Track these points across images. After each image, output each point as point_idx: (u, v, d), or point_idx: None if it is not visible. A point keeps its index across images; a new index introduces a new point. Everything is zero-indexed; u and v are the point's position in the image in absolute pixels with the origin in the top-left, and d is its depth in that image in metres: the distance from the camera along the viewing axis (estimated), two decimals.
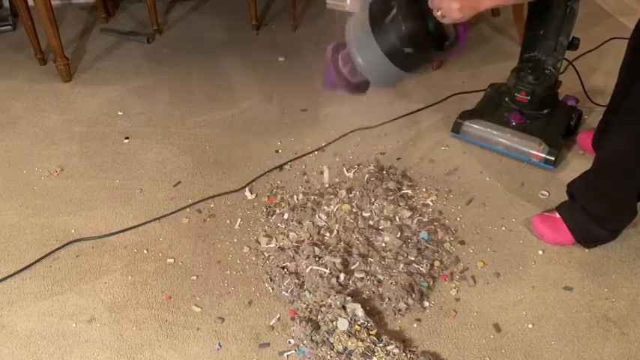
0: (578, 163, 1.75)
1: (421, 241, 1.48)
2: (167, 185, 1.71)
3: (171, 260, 1.47)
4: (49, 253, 1.49)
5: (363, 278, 1.38)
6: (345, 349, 1.21)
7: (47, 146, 1.88)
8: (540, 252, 1.48)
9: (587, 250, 1.47)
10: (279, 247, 1.48)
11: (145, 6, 2.47)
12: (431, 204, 1.62)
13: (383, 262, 1.41)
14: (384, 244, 1.47)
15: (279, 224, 1.54)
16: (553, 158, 1.70)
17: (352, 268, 1.39)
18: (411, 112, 2.00)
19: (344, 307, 1.28)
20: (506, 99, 1.84)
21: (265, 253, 1.47)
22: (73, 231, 1.56)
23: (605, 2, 2.72)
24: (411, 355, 1.21)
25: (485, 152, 1.82)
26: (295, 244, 1.47)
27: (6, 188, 1.71)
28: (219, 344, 1.27)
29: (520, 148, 1.75)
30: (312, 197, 1.62)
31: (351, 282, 1.37)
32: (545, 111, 1.80)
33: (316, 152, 1.83)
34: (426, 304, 1.34)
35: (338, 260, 1.39)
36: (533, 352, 1.25)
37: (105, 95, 2.14)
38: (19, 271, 1.44)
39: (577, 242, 1.48)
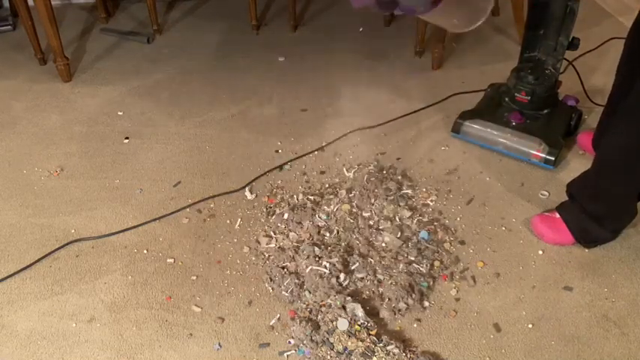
0: (578, 163, 1.75)
1: (421, 241, 1.48)
2: (167, 185, 1.71)
3: (171, 260, 1.47)
4: (49, 253, 1.49)
5: (363, 278, 1.38)
6: (345, 349, 1.21)
7: (47, 146, 1.88)
8: (540, 252, 1.48)
9: (587, 250, 1.47)
10: (279, 247, 1.48)
11: (145, 6, 2.47)
12: (431, 204, 1.62)
13: (383, 262, 1.41)
14: (384, 244, 1.47)
15: (279, 224, 1.54)
16: (553, 158, 1.70)
17: (352, 268, 1.39)
18: (411, 112, 2.00)
19: (344, 307, 1.28)
20: (506, 99, 1.84)
21: (265, 253, 1.47)
22: (73, 231, 1.56)
23: (605, 2, 2.72)
24: (411, 355, 1.21)
25: (486, 152, 1.82)
26: (295, 244, 1.47)
27: (6, 188, 1.71)
28: (219, 344, 1.27)
29: (520, 148, 1.75)
30: (312, 197, 1.62)
31: (351, 282, 1.37)
32: (545, 111, 1.80)
33: (316, 152, 1.83)
34: (426, 304, 1.34)
35: (338, 260, 1.39)
36: (533, 352, 1.25)
37: (105, 95, 2.14)
38: (19, 271, 1.44)
39: (577, 242, 1.48)
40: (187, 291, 1.39)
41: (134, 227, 1.56)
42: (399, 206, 1.57)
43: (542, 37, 1.73)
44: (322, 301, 1.31)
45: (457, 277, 1.41)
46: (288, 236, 1.50)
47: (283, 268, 1.41)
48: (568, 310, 1.34)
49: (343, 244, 1.47)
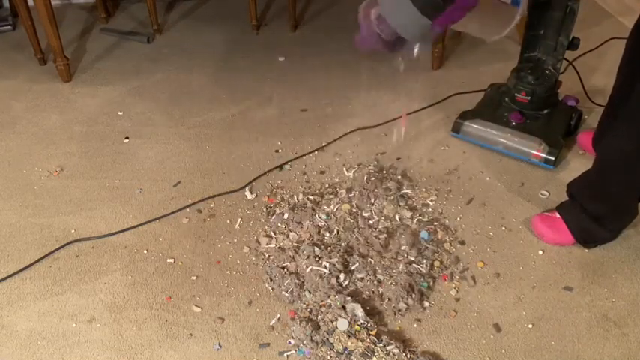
0: (578, 163, 1.75)
1: (421, 241, 1.48)
2: (167, 185, 1.71)
3: (171, 260, 1.47)
4: (49, 253, 1.49)
5: (363, 278, 1.38)
6: (345, 349, 1.21)
7: (47, 146, 1.88)
8: (540, 252, 1.48)
9: (587, 250, 1.47)
10: (279, 247, 1.48)
11: (145, 6, 2.47)
12: (431, 204, 1.62)
13: (383, 262, 1.41)
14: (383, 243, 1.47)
15: (279, 224, 1.54)
16: (553, 158, 1.70)
17: (352, 268, 1.39)
18: (411, 112, 2.00)
19: (344, 307, 1.28)
20: (506, 99, 1.84)
21: (265, 253, 1.47)
22: (73, 231, 1.56)
23: (605, 2, 2.72)
24: (411, 355, 1.21)
25: (486, 152, 1.82)
26: (295, 244, 1.47)
27: (6, 188, 1.71)
28: (219, 344, 1.27)
29: (520, 148, 1.75)
30: (312, 197, 1.62)
31: (351, 282, 1.37)
32: (545, 111, 1.80)
33: (316, 152, 1.83)
34: (426, 304, 1.34)
35: (338, 260, 1.39)
36: (533, 352, 1.25)
37: (105, 95, 2.14)
38: (19, 271, 1.44)
39: (577, 242, 1.48)
40: (187, 291, 1.39)
41: (134, 227, 1.56)
42: (399, 206, 1.57)
43: (542, 37, 1.73)
44: (322, 301, 1.31)
45: (457, 277, 1.41)
46: (288, 236, 1.50)
47: (283, 268, 1.41)
48: (568, 310, 1.34)
49: (343, 244, 1.47)
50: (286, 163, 1.78)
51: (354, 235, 1.49)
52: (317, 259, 1.40)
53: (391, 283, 1.36)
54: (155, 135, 1.93)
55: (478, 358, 1.24)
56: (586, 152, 1.79)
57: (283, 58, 2.36)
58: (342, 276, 1.36)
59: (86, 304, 1.36)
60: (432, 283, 1.38)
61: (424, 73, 2.23)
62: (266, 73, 2.26)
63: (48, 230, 1.56)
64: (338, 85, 2.17)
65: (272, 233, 1.53)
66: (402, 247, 1.44)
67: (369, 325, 1.26)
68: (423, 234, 1.49)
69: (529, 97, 1.77)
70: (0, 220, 1.59)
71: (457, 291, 1.38)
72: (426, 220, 1.55)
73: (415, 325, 1.30)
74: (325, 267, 1.37)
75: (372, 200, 1.58)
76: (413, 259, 1.42)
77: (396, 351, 1.21)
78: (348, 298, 1.30)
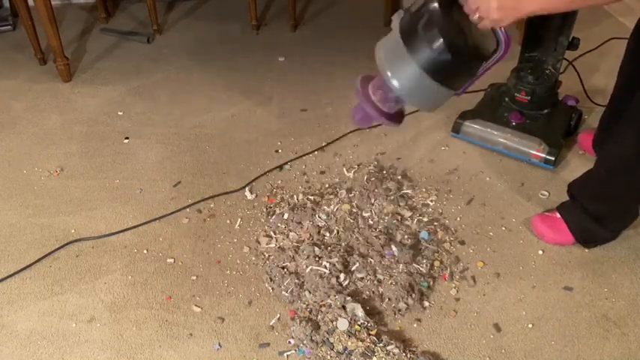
0: (578, 163, 1.75)
1: (421, 241, 1.48)
2: (167, 185, 1.71)
3: (171, 260, 1.47)
4: (49, 253, 1.48)
5: (363, 278, 1.38)
6: (345, 349, 1.21)
7: (47, 146, 1.88)
8: (540, 252, 1.48)
9: (587, 250, 1.47)
10: (279, 247, 1.48)
11: (145, 6, 2.47)
12: (431, 204, 1.62)
13: (383, 262, 1.41)
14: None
15: (279, 224, 1.54)
16: (553, 158, 1.70)
17: (352, 268, 1.39)
18: (411, 112, 2.00)
19: (344, 307, 1.28)
20: (506, 99, 1.84)
21: (265, 253, 1.47)
22: (73, 231, 1.56)
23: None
24: (411, 355, 1.21)
25: (486, 152, 1.82)
26: (295, 244, 1.47)
27: (6, 188, 1.71)
28: (219, 344, 1.27)
29: (520, 148, 1.75)
30: (312, 197, 1.62)
31: (351, 282, 1.37)
32: (545, 111, 1.80)
33: (316, 152, 1.83)
34: (426, 304, 1.34)
35: (338, 260, 1.39)
36: (533, 352, 1.25)
37: (105, 95, 2.14)
38: (19, 271, 1.44)
39: (577, 242, 1.48)
40: (187, 291, 1.39)
41: (134, 227, 1.56)
42: (399, 206, 1.57)
43: (542, 37, 1.73)
44: (322, 301, 1.31)
45: (457, 277, 1.41)
46: (288, 236, 1.50)
47: (283, 268, 1.41)
48: (568, 310, 1.34)
49: (343, 244, 1.47)
50: (286, 163, 1.78)
51: (354, 235, 1.49)
52: (317, 259, 1.40)
53: (391, 283, 1.36)
54: (155, 135, 1.93)
55: (478, 358, 1.24)
56: (586, 152, 1.79)
57: (283, 58, 2.36)
58: (342, 276, 1.36)
59: (86, 304, 1.36)
60: (432, 283, 1.38)
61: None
62: (266, 73, 2.26)
63: (48, 230, 1.56)
64: (338, 85, 2.17)
65: (272, 233, 1.53)
66: (402, 249, 1.44)
67: (369, 325, 1.26)
68: (423, 234, 1.49)
69: (529, 97, 1.77)
70: (0, 220, 1.59)
71: (457, 291, 1.38)
72: (426, 220, 1.55)
73: (415, 325, 1.30)
74: (325, 267, 1.37)
75: (372, 200, 1.58)
76: (413, 259, 1.42)
77: (396, 351, 1.21)
78: (348, 298, 1.30)
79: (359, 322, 1.26)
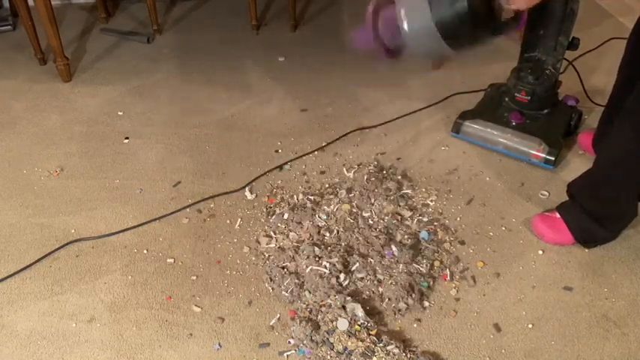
0: (578, 163, 1.75)
1: (421, 241, 1.48)
2: (167, 185, 1.71)
3: (171, 260, 1.47)
4: (49, 253, 1.48)
5: (363, 278, 1.38)
6: (345, 349, 1.21)
7: (47, 146, 1.88)
8: (540, 252, 1.48)
9: (587, 250, 1.47)
10: (279, 247, 1.48)
11: (145, 6, 2.47)
12: (431, 204, 1.62)
13: (383, 262, 1.41)
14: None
15: (279, 224, 1.54)
16: (553, 158, 1.70)
17: (352, 268, 1.39)
18: (411, 112, 2.00)
19: (344, 307, 1.28)
20: (506, 99, 1.84)
21: (265, 253, 1.47)
22: (73, 231, 1.56)
23: (605, 2, 2.72)
24: (411, 355, 1.21)
25: (486, 152, 1.82)
26: (295, 244, 1.47)
27: (6, 188, 1.71)
28: (219, 344, 1.27)
29: (520, 148, 1.75)
30: (312, 197, 1.62)
31: (351, 282, 1.37)
32: (545, 111, 1.80)
33: (316, 152, 1.83)
34: (426, 304, 1.34)
35: (338, 260, 1.39)
36: (533, 352, 1.25)
37: (105, 95, 2.14)
38: (19, 271, 1.44)
39: (577, 242, 1.48)
40: (187, 291, 1.39)
41: (134, 227, 1.56)
42: (399, 206, 1.57)
43: (542, 37, 1.73)
44: (322, 301, 1.31)
45: (457, 277, 1.41)
46: (288, 236, 1.50)
47: (283, 268, 1.41)
48: (568, 310, 1.34)
49: (343, 244, 1.47)
50: (286, 163, 1.78)
51: (354, 235, 1.49)
52: (317, 259, 1.40)
53: (391, 283, 1.36)
54: (155, 135, 1.93)
55: (478, 358, 1.24)
56: (586, 152, 1.79)
57: (283, 58, 2.36)
58: (342, 276, 1.36)
59: (86, 304, 1.36)
60: (432, 283, 1.38)
61: (424, 73, 2.23)
62: (266, 73, 2.26)
63: (48, 230, 1.56)
64: (338, 85, 2.17)
65: (272, 233, 1.53)
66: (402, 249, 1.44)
67: (369, 325, 1.26)
68: (423, 234, 1.49)
69: (529, 97, 1.77)
70: (0, 220, 1.59)
71: (457, 291, 1.38)
72: (426, 220, 1.55)
73: (415, 325, 1.30)
74: (325, 267, 1.37)
75: (372, 200, 1.58)
76: (413, 259, 1.42)
77: (396, 351, 1.21)
78: (348, 298, 1.30)
79: (359, 322, 1.26)
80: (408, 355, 1.21)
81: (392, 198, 1.59)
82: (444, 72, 2.24)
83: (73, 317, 1.33)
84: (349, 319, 1.26)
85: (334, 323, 1.25)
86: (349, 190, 1.63)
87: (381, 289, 1.36)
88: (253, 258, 1.47)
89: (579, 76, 1.89)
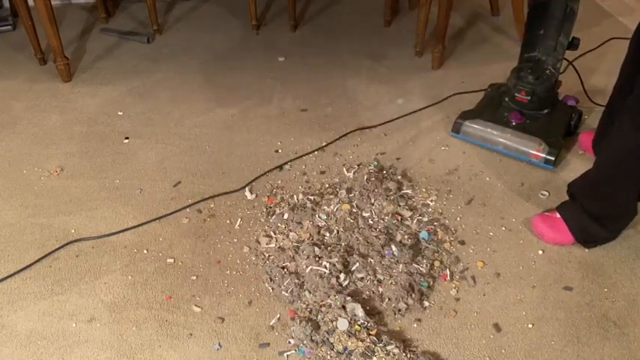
0: (578, 163, 1.75)
1: (421, 241, 1.48)
2: (167, 185, 1.71)
3: (171, 260, 1.47)
4: (49, 253, 1.48)
5: (363, 278, 1.38)
6: (345, 349, 1.21)
7: (47, 146, 1.88)
8: (540, 252, 1.48)
9: (587, 250, 1.47)
10: (279, 247, 1.48)
11: (145, 6, 2.47)
12: (431, 204, 1.62)
13: (383, 262, 1.41)
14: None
15: (279, 224, 1.54)
16: (553, 158, 1.70)
17: (352, 268, 1.39)
18: (411, 112, 2.00)
19: (344, 307, 1.28)
20: (507, 99, 1.84)
21: (265, 253, 1.47)
22: (73, 231, 1.56)
23: (605, 2, 2.72)
24: (411, 355, 1.21)
25: (486, 152, 1.82)
26: (295, 244, 1.47)
27: (6, 188, 1.71)
28: (219, 344, 1.27)
29: (520, 148, 1.75)
30: (312, 197, 1.62)
31: (351, 282, 1.37)
32: (545, 111, 1.80)
33: (316, 152, 1.83)
34: (426, 304, 1.34)
35: (338, 260, 1.39)
36: (534, 352, 1.25)
37: (105, 95, 2.14)
38: (19, 271, 1.44)
39: (577, 242, 1.48)
40: (187, 291, 1.39)
41: (134, 227, 1.56)
42: (399, 206, 1.57)
43: (542, 37, 1.73)
44: (322, 301, 1.31)
45: (457, 277, 1.41)
46: (288, 236, 1.50)
47: (283, 268, 1.41)
48: (568, 310, 1.34)
49: (343, 244, 1.47)
50: (286, 163, 1.78)
51: (354, 235, 1.49)
52: (317, 259, 1.40)
53: (391, 283, 1.36)
54: (155, 135, 1.93)
55: (478, 358, 1.24)
56: (586, 152, 1.79)
57: (283, 58, 2.36)
58: (342, 276, 1.36)
59: (86, 304, 1.36)
60: (432, 283, 1.38)
61: (424, 73, 2.24)
62: (266, 73, 2.26)
63: (48, 230, 1.56)
64: (338, 85, 2.17)
65: (272, 233, 1.53)
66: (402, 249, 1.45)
67: (369, 325, 1.26)
68: (423, 234, 1.49)
69: (529, 97, 1.77)
70: (0, 220, 1.59)
71: (457, 291, 1.38)
72: (426, 220, 1.55)
73: (415, 325, 1.30)
74: (325, 267, 1.37)
75: (372, 200, 1.58)
76: (413, 259, 1.42)
77: (396, 351, 1.21)
78: (348, 298, 1.30)
79: (359, 322, 1.26)
80: (408, 355, 1.21)
81: (392, 198, 1.59)
82: (444, 72, 2.24)
83: (73, 317, 1.33)
84: (349, 319, 1.26)
85: (334, 323, 1.25)
86: (349, 190, 1.63)
87: (381, 289, 1.36)
88: (253, 258, 1.47)
89: (579, 76, 1.89)
